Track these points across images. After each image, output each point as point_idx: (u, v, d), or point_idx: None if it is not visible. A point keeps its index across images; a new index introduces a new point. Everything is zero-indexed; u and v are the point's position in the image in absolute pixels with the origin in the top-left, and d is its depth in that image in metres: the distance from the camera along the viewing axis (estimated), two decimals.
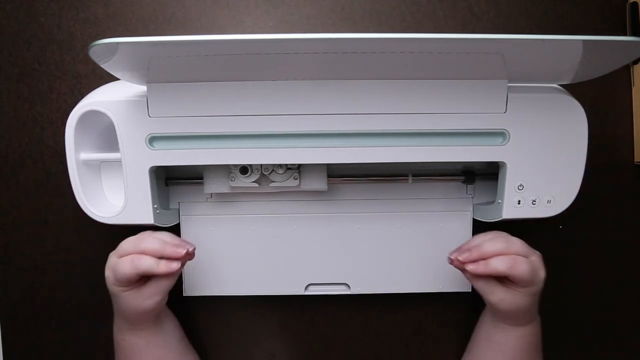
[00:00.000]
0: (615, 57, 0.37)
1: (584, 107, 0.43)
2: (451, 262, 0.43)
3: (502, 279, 0.43)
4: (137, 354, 0.47)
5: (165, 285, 0.43)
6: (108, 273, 0.43)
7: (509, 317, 0.45)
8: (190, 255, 0.43)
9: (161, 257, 0.42)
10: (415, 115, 0.42)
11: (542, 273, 0.43)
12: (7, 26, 0.52)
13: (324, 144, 0.43)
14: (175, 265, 0.41)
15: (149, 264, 0.41)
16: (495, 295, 0.43)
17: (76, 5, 0.52)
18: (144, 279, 0.43)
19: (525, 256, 0.42)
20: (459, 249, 0.44)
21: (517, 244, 0.43)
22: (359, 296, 0.53)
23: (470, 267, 0.42)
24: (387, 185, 0.51)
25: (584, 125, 0.43)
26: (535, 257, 0.43)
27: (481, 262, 0.42)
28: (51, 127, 0.53)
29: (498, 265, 0.41)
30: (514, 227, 0.45)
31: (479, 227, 0.50)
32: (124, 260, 0.42)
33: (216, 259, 0.51)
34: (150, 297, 0.43)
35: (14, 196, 0.53)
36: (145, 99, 0.42)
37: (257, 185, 0.48)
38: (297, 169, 0.48)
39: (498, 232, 0.45)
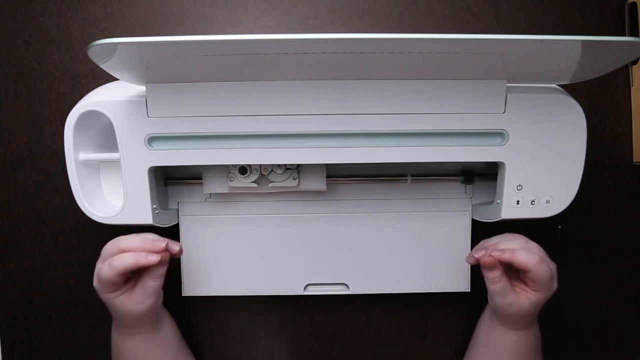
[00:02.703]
0: (614, 57, 0.37)
1: (582, 107, 0.43)
2: (474, 261, 0.43)
3: (514, 284, 0.43)
4: (136, 358, 0.47)
5: (152, 287, 0.43)
6: (95, 283, 0.43)
7: (508, 321, 0.45)
8: (173, 253, 0.43)
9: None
10: (414, 115, 0.42)
11: (555, 284, 0.43)
12: (6, 26, 0.52)
13: (323, 144, 0.43)
14: (153, 258, 0.40)
15: (125, 260, 0.40)
16: (507, 298, 0.43)
17: (75, 5, 0.52)
18: (133, 282, 0.43)
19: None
20: (475, 249, 0.44)
21: (536, 246, 0.43)
22: (358, 296, 0.53)
23: (496, 254, 0.41)
24: (386, 186, 0.51)
25: (582, 126, 0.43)
26: (553, 266, 0.43)
27: (507, 250, 0.41)
28: (50, 127, 0.53)
29: (524, 257, 0.40)
30: (513, 227, 0.45)
31: (478, 228, 0.51)
32: (104, 265, 0.41)
33: (215, 259, 0.51)
34: (142, 301, 0.43)
35: (13, 196, 0.53)
36: (144, 99, 0.42)
37: (256, 185, 0.48)
38: (296, 169, 0.48)
39: (515, 234, 0.45)
